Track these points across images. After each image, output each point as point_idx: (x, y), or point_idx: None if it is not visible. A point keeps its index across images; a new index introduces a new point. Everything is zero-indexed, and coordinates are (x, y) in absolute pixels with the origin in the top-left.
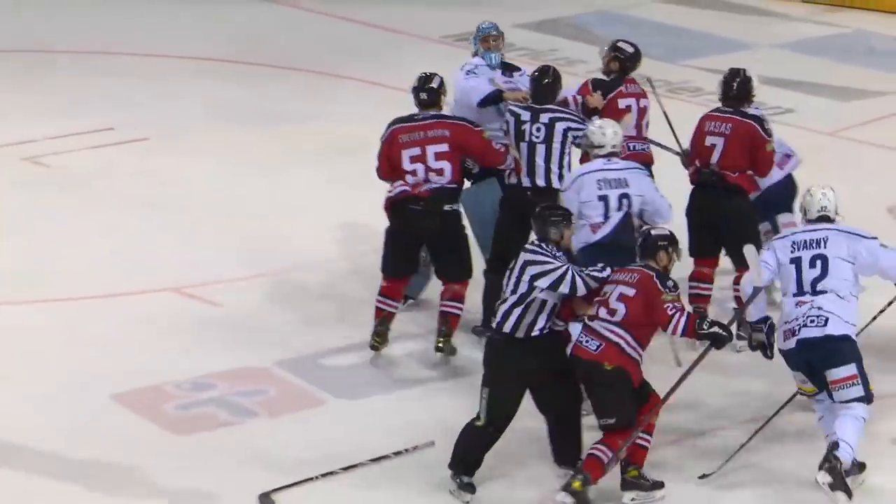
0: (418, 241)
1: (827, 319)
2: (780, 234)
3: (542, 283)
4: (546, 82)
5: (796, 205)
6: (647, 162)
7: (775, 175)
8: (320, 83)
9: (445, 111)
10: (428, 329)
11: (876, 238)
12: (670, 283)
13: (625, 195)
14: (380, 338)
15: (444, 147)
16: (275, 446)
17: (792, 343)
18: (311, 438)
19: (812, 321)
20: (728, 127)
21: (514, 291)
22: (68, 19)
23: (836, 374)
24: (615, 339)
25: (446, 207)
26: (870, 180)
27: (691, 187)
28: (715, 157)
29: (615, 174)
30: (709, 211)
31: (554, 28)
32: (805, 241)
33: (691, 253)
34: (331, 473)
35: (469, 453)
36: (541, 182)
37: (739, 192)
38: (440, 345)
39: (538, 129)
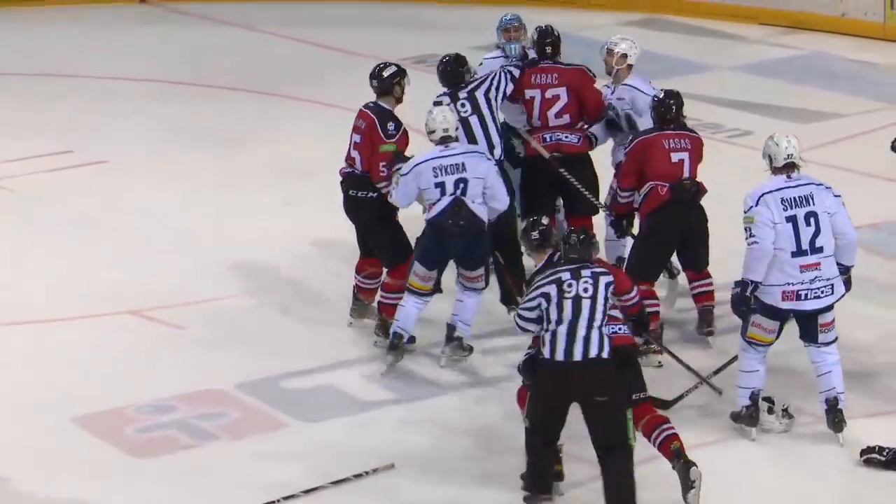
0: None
1: (833, 286)
2: (766, 190)
3: None
4: (450, 69)
5: None
6: (573, 152)
7: None
8: (275, 105)
9: None
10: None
11: (840, 196)
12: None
13: (462, 179)
14: (353, 308)
15: (357, 138)
16: (236, 469)
17: (793, 305)
18: (272, 461)
19: (823, 292)
20: (687, 142)
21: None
22: (19, 41)
23: (825, 318)
24: None
25: (351, 192)
26: None
27: (649, 209)
28: (686, 172)
29: (451, 160)
30: (683, 225)
31: None
32: (795, 199)
33: (646, 276)
34: (292, 497)
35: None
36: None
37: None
38: (375, 330)
39: (463, 105)
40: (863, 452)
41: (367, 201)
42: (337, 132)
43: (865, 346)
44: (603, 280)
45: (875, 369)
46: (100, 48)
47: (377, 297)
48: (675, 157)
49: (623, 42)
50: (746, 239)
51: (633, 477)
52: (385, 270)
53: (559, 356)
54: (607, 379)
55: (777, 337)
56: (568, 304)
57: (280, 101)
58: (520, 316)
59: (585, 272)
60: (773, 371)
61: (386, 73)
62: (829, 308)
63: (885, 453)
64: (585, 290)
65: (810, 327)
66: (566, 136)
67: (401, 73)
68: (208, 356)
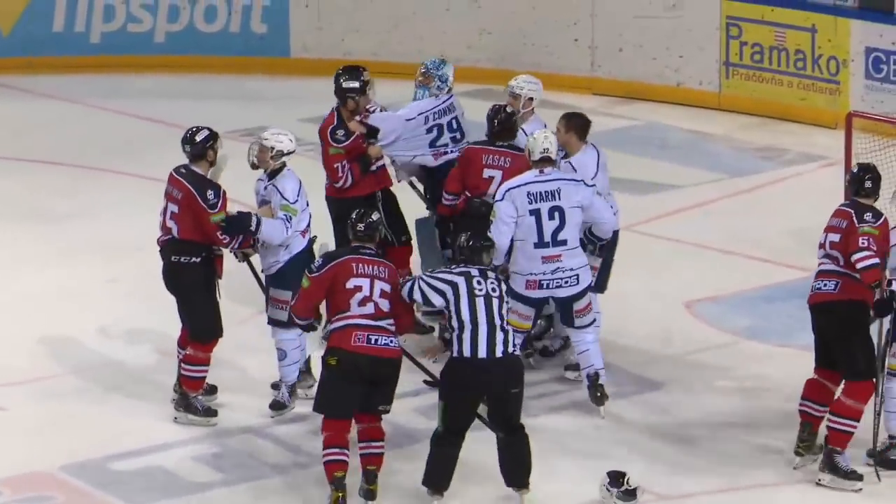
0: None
1: (578, 276)
2: (513, 185)
3: None
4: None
5: None
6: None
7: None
8: (95, 179)
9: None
10: (214, 432)
11: (594, 185)
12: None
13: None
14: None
15: (174, 208)
16: None
17: (536, 293)
18: None
19: (567, 282)
20: (507, 160)
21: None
22: None
23: (579, 305)
24: None
25: (173, 258)
26: (664, 275)
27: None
28: (492, 189)
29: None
30: None
31: None
32: (542, 193)
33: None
34: None
35: None
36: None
37: None
38: (175, 405)
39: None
40: None
41: (189, 266)
42: (159, 205)
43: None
44: (503, 283)
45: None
46: None
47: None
48: (487, 172)
49: (527, 84)
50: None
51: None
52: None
53: (481, 353)
54: (520, 371)
55: (533, 325)
56: (480, 302)
57: (100, 175)
58: (428, 284)
59: (490, 273)
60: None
61: (199, 138)
62: (581, 295)
63: None
64: (493, 289)
65: (567, 313)
66: None
67: (214, 136)
68: (32, 437)
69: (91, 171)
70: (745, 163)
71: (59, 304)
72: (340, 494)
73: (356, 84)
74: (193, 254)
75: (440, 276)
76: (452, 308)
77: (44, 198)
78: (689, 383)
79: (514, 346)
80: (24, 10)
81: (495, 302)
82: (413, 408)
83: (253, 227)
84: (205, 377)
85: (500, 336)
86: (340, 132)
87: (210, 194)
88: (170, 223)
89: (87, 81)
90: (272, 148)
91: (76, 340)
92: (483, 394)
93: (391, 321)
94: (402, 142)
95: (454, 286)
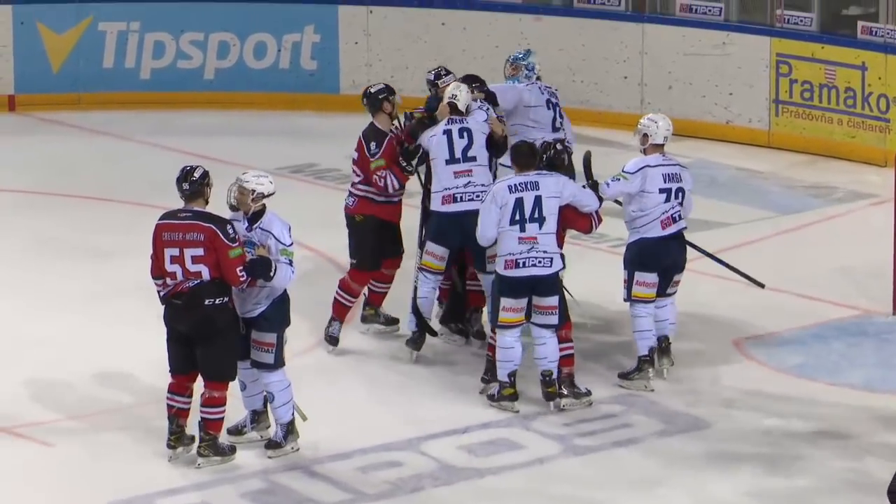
0: (187, 337)
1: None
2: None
3: None
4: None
5: None
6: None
7: None
8: (146, 215)
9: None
10: (261, 468)
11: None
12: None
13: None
14: (173, 436)
15: (197, 252)
16: None
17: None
18: None
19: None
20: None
21: None
22: None
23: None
24: None
25: (207, 302)
26: (712, 314)
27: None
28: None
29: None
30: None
31: None
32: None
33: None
34: None
35: None
36: None
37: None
38: (201, 451)
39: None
40: None
41: (224, 308)
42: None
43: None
44: None
45: None
46: None
47: (200, 415)
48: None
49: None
50: None
51: None
52: (207, 385)
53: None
54: None
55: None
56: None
57: (150, 212)
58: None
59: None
60: None
61: (196, 175)
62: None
63: None
64: None
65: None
66: None
67: (208, 173)
68: (80, 473)
69: (140, 208)
70: (794, 200)
71: (106, 340)
72: None
73: (382, 85)
74: (225, 294)
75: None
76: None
77: (92, 235)
78: (738, 422)
79: None
80: (74, 47)
81: None
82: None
83: (272, 273)
84: (224, 416)
85: None
86: (373, 144)
87: (229, 229)
88: (196, 268)
89: (137, 118)
90: (253, 190)
91: (123, 377)
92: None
93: None
94: (527, 110)
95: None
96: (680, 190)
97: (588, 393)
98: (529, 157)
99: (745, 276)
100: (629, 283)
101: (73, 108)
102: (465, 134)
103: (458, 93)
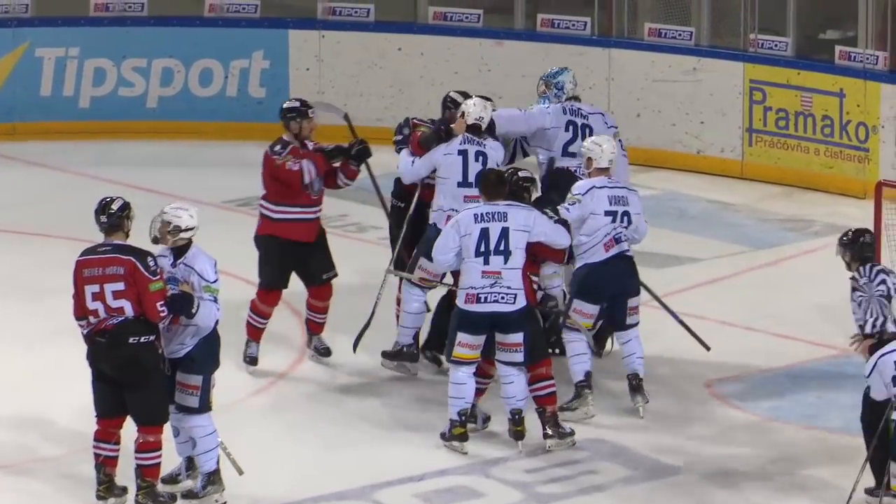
0: (111, 378)
1: (515, 296)
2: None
3: None
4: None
5: None
6: None
7: None
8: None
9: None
10: None
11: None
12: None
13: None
14: (102, 486)
15: (118, 286)
16: None
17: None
18: None
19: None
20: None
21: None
22: None
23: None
24: None
25: (132, 340)
26: (683, 353)
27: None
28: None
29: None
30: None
31: None
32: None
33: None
34: None
35: None
36: None
37: None
38: (138, 499)
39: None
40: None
41: (148, 347)
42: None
43: None
44: None
45: None
46: None
47: (135, 461)
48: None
49: None
50: None
51: None
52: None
53: None
54: None
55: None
56: None
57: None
58: None
59: None
60: None
61: (115, 207)
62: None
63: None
64: None
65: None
66: None
67: (128, 205)
68: None
69: (78, 244)
70: (768, 234)
71: (36, 384)
72: None
73: (296, 104)
74: (151, 332)
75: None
76: None
77: (27, 272)
78: (709, 468)
79: None
80: (9, 74)
81: None
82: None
83: (195, 310)
84: (160, 461)
85: None
86: (278, 146)
87: (150, 261)
88: (118, 303)
89: (76, 148)
90: (168, 223)
91: (51, 423)
92: None
93: None
94: (543, 133)
95: None
96: (626, 213)
97: (572, 433)
98: (497, 185)
99: (693, 334)
100: (567, 308)
101: (7, 138)
102: (481, 158)
103: (486, 115)
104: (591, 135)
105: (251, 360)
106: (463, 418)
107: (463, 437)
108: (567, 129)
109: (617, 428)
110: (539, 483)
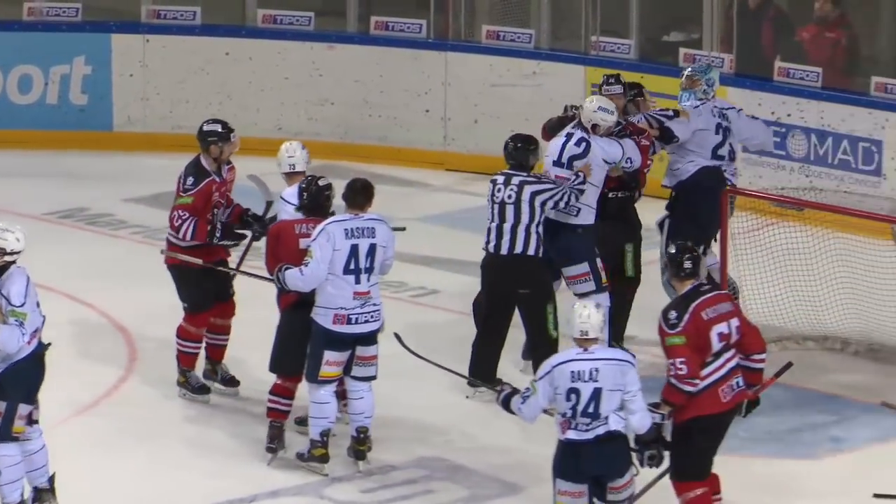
0: None
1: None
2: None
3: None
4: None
5: None
6: None
7: None
8: None
9: None
10: None
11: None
12: None
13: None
14: None
15: None
16: None
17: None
18: None
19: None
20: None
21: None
22: None
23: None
24: None
25: None
26: None
27: None
28: None
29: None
30: None
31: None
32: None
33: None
34: None
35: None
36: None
37: None
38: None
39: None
40: None
41: None
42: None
43: None
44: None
45: None
46: None
47: None
48: (303, 242)
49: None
50: None
51: None
52: None
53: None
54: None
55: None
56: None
57: None
58: None
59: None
60: None
61: None
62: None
63: None
64: (509, 196)
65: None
66: None
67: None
68: None
69: None
70: None
71: None
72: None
73: (217, 127)
74: None
75: None
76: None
77: None
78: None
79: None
80: None
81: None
82: None
83: None
84: None
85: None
86: (190, 179)
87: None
88: None
89: None
90: None
91: None
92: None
93: None
94: (693, 134)
95: None
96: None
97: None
98: (363, 195)
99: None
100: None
101: None
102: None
103: (594, 118)
104: (730, 137)
105: (201, 389)
106: (325, 439)
107: (324, 459)
108: (717, 132)
109: (456, 447)
110: None
